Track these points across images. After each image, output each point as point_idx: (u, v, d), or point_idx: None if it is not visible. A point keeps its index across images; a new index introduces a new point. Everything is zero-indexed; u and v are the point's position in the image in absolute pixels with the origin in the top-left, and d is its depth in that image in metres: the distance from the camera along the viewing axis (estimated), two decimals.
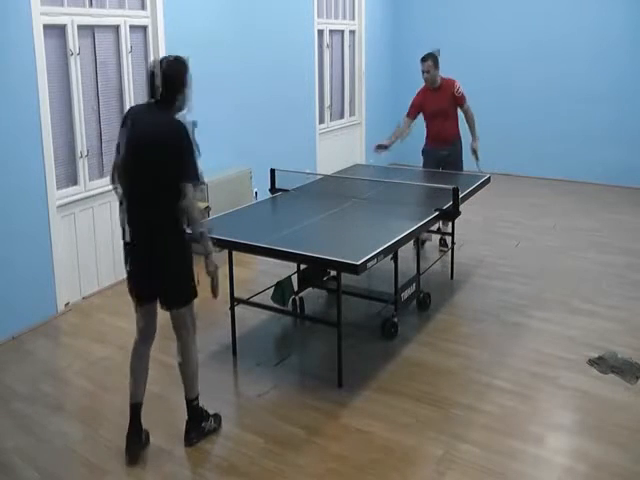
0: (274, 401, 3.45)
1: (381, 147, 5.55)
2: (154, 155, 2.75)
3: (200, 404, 3.09)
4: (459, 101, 5.59)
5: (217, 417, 3.18)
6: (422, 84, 5.67)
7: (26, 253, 4.27)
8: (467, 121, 5.67)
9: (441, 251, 5.60)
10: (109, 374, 3.74)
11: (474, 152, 5.63)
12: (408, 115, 5.69)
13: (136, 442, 2.95)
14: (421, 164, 5.84)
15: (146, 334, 3.01)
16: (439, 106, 5.55)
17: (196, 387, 3.06)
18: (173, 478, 2.90)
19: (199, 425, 3.08)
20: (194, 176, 2.75)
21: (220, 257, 3.12)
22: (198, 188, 2.81)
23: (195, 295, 2.97)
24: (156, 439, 3.11)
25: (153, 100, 2.80)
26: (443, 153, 5.63)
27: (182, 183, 2.72)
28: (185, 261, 2.89)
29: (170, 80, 2.76)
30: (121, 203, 2.87)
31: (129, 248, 2.87)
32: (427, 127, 5.71)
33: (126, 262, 2.91)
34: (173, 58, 2.84)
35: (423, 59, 5.51)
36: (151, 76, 2.79)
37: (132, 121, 2.84)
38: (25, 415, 3.33)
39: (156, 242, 2.81)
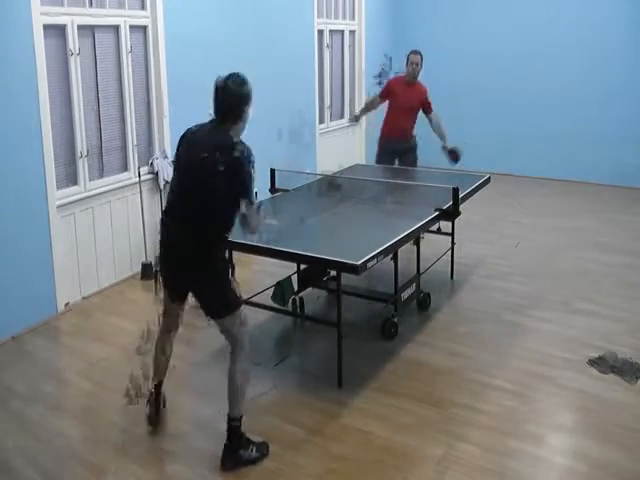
0: (274, 401, 3.44)
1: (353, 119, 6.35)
2: (211, 175, 2.72)
3: (243, 429, 2.91)
4: (428, 107, 5.78)
5: (263, 446, 2.96)
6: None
7: (26, 253, 4.26)
8: (436, 127, 5.76)
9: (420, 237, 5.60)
10: (109, 374, 3.74)
11: (451, 152, 5.68)
12: (380, 96, 6.00)
13: (154, 412, 3.19)
14: (419, 164, 5.95)
15: (169, 325, 3.16)
16: (410, 103, 5.75)
17: (238, 406, 2.88)
18: (173, 478, 2.90)
19: (236, 452, 2.89)
20: (249, 195, 2.76)
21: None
22: (254, 211, 2.82)
23: (234, 307, 2.89)
24: (156, 439, 3.12)
25: (216, 119, 2.81)
26: (398, 147, 5.82)
27: (240, 199, 2.74)
28: (220, 276, 2.90)
29: (237, 102, 2.77)
30: (163, 221, 2.95)
31: (165, 254, 2.95)
32: (388, 117, 5.90)
33: (160, 266, 3.08)
34: (239, 79, 2.80)
35: (416, 52, 5.74)
36: (217, 94, 2.79)
37: (188, 142, 2.88)
38: (25, 415, 3.33)
39: (194, 257, 2.82)
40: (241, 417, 2.90)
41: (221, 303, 2.88)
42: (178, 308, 3.11)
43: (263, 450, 2.96)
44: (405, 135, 5.83)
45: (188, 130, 2.95)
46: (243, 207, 2.75)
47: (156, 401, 3.21)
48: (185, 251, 2.82)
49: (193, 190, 2.79)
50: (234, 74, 2.81)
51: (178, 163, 2.94)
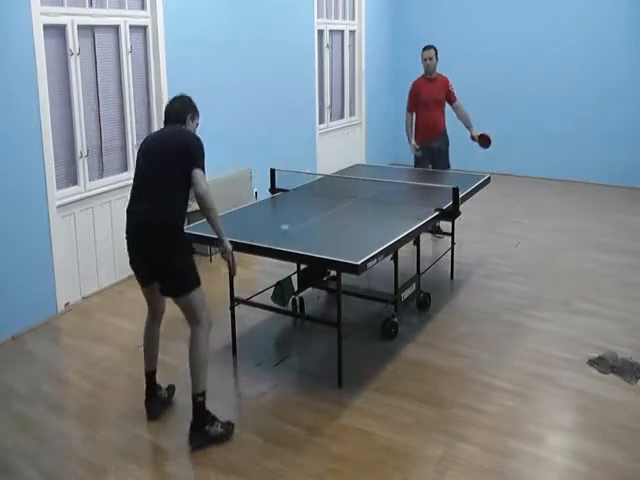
0: (274, 401, 3.45)
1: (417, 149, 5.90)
2: (167, 152, 3.05)
3: (207, 407, 3.04)
4: (452, 97, 5.90)
5: (228, 425, 3.09)
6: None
7: (26, 253, 4.26)
8: (462, 116, 5.91)
9: (437, 237, 5.76)
10: (109, 374, 3.74)
11: (481, 137, 5.77)
12: (409, 110, 5.95)
13: (152, 404, 3.27)
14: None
15: (153, 311, 3.27)
16: (434, 96, 5.84)
17: (201, 381, 3.02)
18: (173, 478, 2.90)
19: (201, 428, 3.01)
20: (200, 165, 3.00)
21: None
22: (202, 175, 3.00)
23: (195, 284, 3.04)
24: (156, 439, 3.12)
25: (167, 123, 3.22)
26: (434, 145, 5.87)
27: (191, 169, 2.95)
28: (182, 252, 3.03)
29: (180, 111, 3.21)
30: (127, 210, 3.11)
31: (129, 236, 3.08)
32: (418, 119, 5.92)
33: (128, 253, 3.12)
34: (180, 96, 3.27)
35: (427, 47, 5.84)
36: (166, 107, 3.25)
37: (148, 138, 3.25)
38: (25, 415, 3.33)
39: (155, 234, 2.98)
40: (204, 392, 3.02)
41: (180, 281, 3.02)
42: (153, 293, 3.18)
43: (228, 427, 3.08)
44: (437, 130, 5.88)
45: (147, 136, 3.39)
46: (196, 171, 2.97)
47: (151, 391, 3.29)
48: (147, 230, 2.98)
49: (154, 165, 3.05)
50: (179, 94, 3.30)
51: (140, 155, 3.15)
